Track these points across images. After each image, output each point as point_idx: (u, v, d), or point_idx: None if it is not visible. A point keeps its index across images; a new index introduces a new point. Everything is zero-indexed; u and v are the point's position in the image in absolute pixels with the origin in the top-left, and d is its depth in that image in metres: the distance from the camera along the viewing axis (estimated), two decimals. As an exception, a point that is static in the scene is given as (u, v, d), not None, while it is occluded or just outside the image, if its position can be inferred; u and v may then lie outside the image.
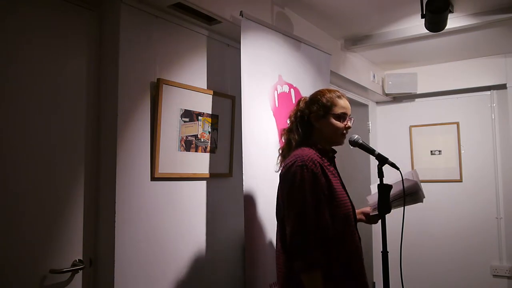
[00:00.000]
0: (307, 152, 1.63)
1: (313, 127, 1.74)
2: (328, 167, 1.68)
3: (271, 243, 2.15)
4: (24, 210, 1.62)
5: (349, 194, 1.81)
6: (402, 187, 1.77)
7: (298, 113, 1.79)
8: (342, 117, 1.71)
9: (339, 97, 1.74)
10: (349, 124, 1.74)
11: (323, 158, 1.69)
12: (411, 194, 1.86)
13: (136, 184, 1.88)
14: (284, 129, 1.85)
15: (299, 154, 1.63)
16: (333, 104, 1.71)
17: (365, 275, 1.70)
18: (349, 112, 1.75)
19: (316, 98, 1.76)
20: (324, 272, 1.54)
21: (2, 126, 1.58)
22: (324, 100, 1.72)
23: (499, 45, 3.55)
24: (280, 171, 1.72)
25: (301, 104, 1.81)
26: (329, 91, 1.78)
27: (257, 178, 2.13)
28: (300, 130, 1.76)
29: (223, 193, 2.34)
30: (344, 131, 1.73)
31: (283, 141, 1.84)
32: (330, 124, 1.71)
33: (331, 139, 1.75)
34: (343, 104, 1.73)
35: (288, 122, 1.85)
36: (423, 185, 1.91)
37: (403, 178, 1.79)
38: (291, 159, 1.64)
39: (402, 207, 1.84)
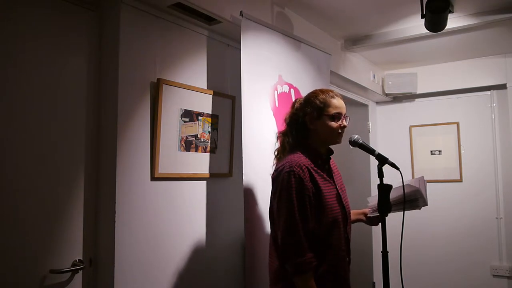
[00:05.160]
0: (297, 157, 1.65)
1: (309, 129, 1.74)
2: (319, 171, 1.69)
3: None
4: (24, 210, 1.62)
5: (349, 194, 1.81)
6: (402, 191, 1.77)
7: (293, 116, 1.80)
8: (336, 117, 1.71)
9: (332, 97, 1.73)
10: (345, 123, 1.74)
11: (316, 162, 1.70)
12: (411, 200, 1.85)
13: (136, 184, 1.88)
14: (280, 132, 1.86)
15: (289, 160, 1.65)
16: (326, 105, 1.71)
17: (349, 279, 1.73)
18: (343, 111, 1.74)
19: (309, 100, 1.75)
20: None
21: (2, 126, 1.58)
22: (318, 102, 1.72)
23: (499, 45, 3.55)
24: (271, 174, 1.74)
25: (296, 106, 1.82)
26: (322, 91, 1.77)
27: (257, 178, 2.13)
28: (294, 133, 1.76)
29: (223, 193, 2.34)
30: (340, 131, 1.73)
31: (278, 143, 1.85)
32: (325, 125, 1.71)
33: (328, 139, 1.75)
34: (337, 104, 1.72)
35: (284, 124, 1.85)
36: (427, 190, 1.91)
37: (406, 183, 1.79)
38: (282, 164, 1.67)
39: (401, 212, 1.83)
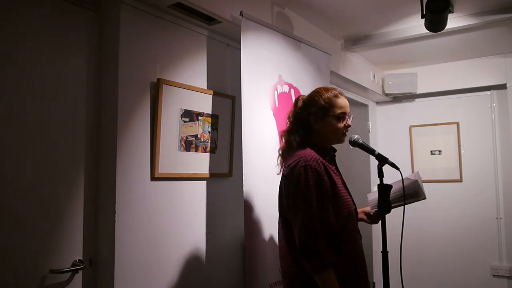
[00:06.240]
0: (309, 152, 1.64)
1: (313, 128, 1.74)
2: (330, 166, 1.69)
3: (271, 243, 2.15)
4: (24, 210, 1.62)
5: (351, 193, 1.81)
6: (402, 186, 1.78)
7: (297, 114, 1.79)
8: (341, 117, 1.71)
9: (336, 96, 1.73)
10: (349, 122, 1.74)
11: (325, 158, 1.69)
12: (412, 194, 1.86)
13: (136, 184, 1.88)
14: (283, 131, 1.85)
15: (301, 155, 1.63)
16: (331, 105, 1.70)
17: (367, 273, 1.70)
18: (348, 110, 1.74)
19: (314, 99, 1.74)
20: None
21: (2, 126, 1.58)
22: (322, 102, 1.71)
23: (499, 45, 3.55)
24: (282, 171, 1.72)
25: (299, 104, 1.80)
26: (326, 90, 1.76)
27: (257, 178, 2.13)
28: (300, 131, 1.75)
29: (223, 193, 2.34)
30: (345, 131, 1.73)
31: (283, 142, 1.83)
32: (330, 125, 1.70)
33: (332, 139, 1.75)
34: (341, 103, 1.72)
35: (287, 122, 1.84)
36: (423, 185, 1.92)
37: (404, 177, 1.79)
38: (294, 160, 1.64)
39: (402, 206, 1.84)
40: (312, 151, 1.66)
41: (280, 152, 1.82)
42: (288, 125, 1.82)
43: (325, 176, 1.60)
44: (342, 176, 1.82)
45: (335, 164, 1.78)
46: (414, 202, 1.91)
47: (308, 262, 1.53)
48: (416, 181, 1.85)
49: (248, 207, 2.06)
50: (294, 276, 1.63)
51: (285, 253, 1.67)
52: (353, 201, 1.73)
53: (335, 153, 1.82)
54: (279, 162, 1.81)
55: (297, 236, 1.56)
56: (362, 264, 1.69)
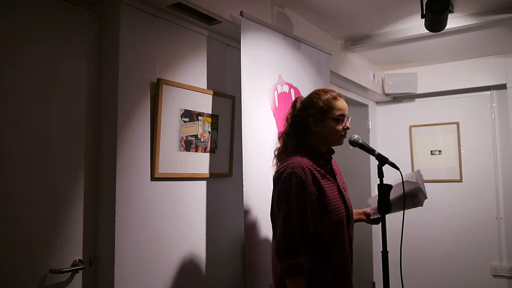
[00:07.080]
0: (299, 160, 1.64)
1: (311, 130, 1.73)
2: (322, 171, 1.68)
3: (270, 243, 2.15)
4: (24, 210, 1.62)
5: (349, 194, 1.80)
6: (402, 189, 1.77)
7: (296, 116, 1.78)
8: (341, 119, 1.70)
9: (335, 98, 1.72)
10: (348, 124, 1.73)
11: (318, 162, 1.69)
12: (411, 196, 1.85)
13: (136, 184, 1.88)
14: (281, 132, 1.84)
15: (291, 161, 1.64)
16: (330, 107, 1.70)
17: (351, 281, 1.72)
18: (346, 112, 1.73)
19: (312, 101, 1.74)
20: (313, 276, 1.57)
21: (2, 126, 1.58)
22: (321, 104, 1.71)
23: (499, 45, 3.55)
24: (274, 175, 1.73)
25: (298, 106, 1.80)
26: (325, 92, 1.75)
27: (257, 178, 2.13)
28: (297, 133, 1.75)
29: (223, 193, 2.34)
30: (343, 133, 1.73)
31: (280, 143, 1.83)
32: (329, 128, 1.70)
33: (331, 141, 1.74)
34: (340, 105, 1.71)
35: (285, 124, 1.84)
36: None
37: (405, 179, 1.78)
38: (283, 165, 1.65)
39: (402, 210, 1.83)
40: (303, 158, 1.65)
41: (276, 153, 1.82)
42: (285, 126, 1.82)
43: (310, 185, 1.60)
44: (342, 178, 1.82)
45: (330, 168, 1.77)
46: (412, 208, 1.89)
47: (281, 265, 1.56)
48: (419, 186, 1.83)
49: (248, 207, 2.06)
50: (281, 276, 1.64)
51: (274, 253, 1.70)
52: (346, 206, 1.71)
53: (332, 156, 1.81)
54: (274, 163, 1.82)
55: (276, 239, 1.61)
56: (348, 269, 1.70)
